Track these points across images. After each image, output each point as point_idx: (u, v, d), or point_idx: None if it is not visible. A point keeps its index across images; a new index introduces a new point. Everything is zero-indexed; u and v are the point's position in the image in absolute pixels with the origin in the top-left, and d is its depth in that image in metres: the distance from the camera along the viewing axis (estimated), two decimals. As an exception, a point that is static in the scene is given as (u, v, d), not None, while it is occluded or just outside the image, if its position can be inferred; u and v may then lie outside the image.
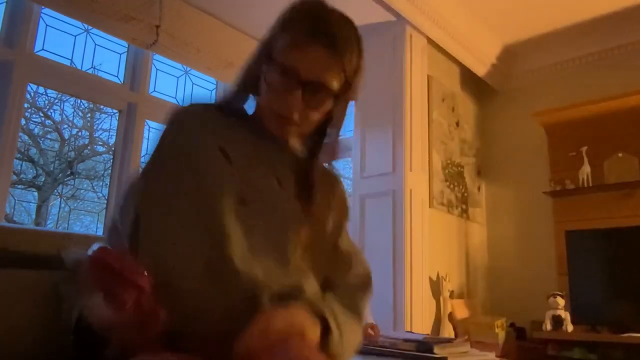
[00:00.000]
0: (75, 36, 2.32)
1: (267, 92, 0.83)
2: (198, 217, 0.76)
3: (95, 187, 2.51)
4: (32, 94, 2.32)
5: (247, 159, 0.83)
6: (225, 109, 0.89)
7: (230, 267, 0.72)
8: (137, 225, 0.80)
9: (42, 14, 2.16)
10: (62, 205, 2.39)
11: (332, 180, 0.97)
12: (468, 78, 3.29)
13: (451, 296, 2.72)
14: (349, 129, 3.19)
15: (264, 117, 0.87)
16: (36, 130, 2.37)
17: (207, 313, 0.71)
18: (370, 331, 1.69)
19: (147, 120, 2.41)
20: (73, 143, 2.50)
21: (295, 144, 0.91)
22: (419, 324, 2.45)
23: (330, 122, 0.89)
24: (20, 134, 2.12)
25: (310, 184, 0.87)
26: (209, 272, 0.72)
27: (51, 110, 2.43)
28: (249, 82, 0.88)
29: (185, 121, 0.87)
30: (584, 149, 2.81)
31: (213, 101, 0.92)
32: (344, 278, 0.89)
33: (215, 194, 0.77)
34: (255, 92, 0.89)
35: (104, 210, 2.41)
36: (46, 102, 2.41)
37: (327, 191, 0.93)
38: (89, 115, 2.57)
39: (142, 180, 0.85)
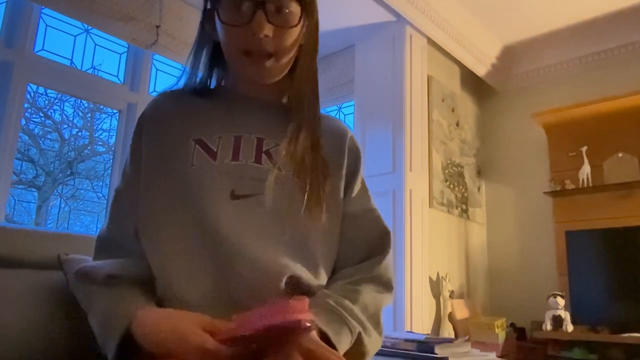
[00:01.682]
0: (75, 36, 2.31)
1: (227, 36, 0.76)
2: (194, 226, 0.72)
3: (95, 187, 2.51)
4: (32, 94, 2.32)
5: (229, 144, 0.77)
6: (196, 89, 0.84)
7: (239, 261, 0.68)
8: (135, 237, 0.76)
9: (42, 14, 2.15)
10: (62, 205, 2.39)
11: (339, 130, 0.88)
12: (468, 78, 3.29)
13: (451, 296, 2.71)
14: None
15: (237, 74, 0.83)
16: (36, 130, 2.37)
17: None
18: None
19: (147, 121, 2.39)
20: (73, 143, 2.49)
21: (276, 88, 0.83)
22: (419, 324, 2.45)
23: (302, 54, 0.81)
24: (20, 134, 2.12)
25: (314, 147, 0.78)
26: (216, 292, 0.69)
27: (51, 110, 2.42)
28: (207, 54, 0.83)
29: (154, 116, 0.81)
30: (584, 149, 2.81)
31: (182, 84, 0.85)
32: (355, 250, 0.81)
33: (203, 195, 0.72)
34: (219, 62, 0.84)
35: (104, 210, 2.41)
36: (46, 102, 2.41)
37: (336, 145, 0.85)
38: (89, 115, 2.57)
39: (125, 185, 0.81)
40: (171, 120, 0.80)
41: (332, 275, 0.80)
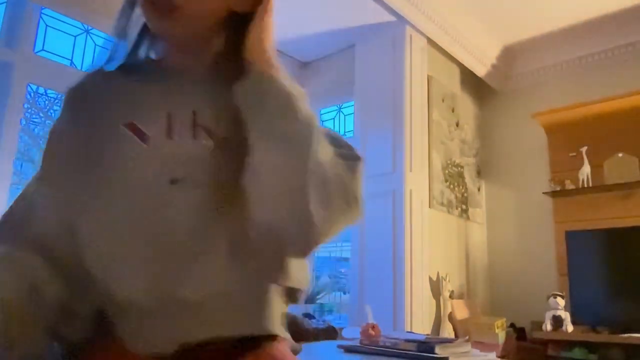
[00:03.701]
0: (75, 36, 2.31)
1: None
2: (129, 218, 0.65)
3: (95, 187, 2.51)
4: (32, 94, 2.32)
5: (162, 122, 0.69)
6: (124, 65, 0.77)
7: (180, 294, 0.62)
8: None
9: (42, 14, 2.15)
10: (62, 205, 2.38)
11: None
12: (468, 78, 3.29)
13: (451, 296, 2.72)
14: (348, 130, 3.20)
15: (162, 40, 0.76)
16: (36, 131, 2.37)
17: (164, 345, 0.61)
18: (370, 331, 1.69)
19: (147, 121, 2.39)
20: (73, 143, 2.49)
21: (209, 58, 0.73)
22: (419, 324, 2.45)
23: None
24: (20, 134, 2.12)
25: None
26: (159, 290, 0.62)
27: (51, 111, 2.42)
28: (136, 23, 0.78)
29: (75, 104, 0.76)
30: (584, 149, 2.81)
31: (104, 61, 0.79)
32: None
33: (137, 182, 0.66)
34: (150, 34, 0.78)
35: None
36: (46, 102, 2.41)
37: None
38: (89, 115, 2.57)
39: (54, 172, 0.72)
40: (99, 106, 0.74)
41: None
